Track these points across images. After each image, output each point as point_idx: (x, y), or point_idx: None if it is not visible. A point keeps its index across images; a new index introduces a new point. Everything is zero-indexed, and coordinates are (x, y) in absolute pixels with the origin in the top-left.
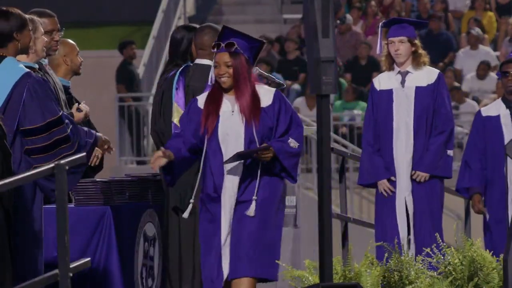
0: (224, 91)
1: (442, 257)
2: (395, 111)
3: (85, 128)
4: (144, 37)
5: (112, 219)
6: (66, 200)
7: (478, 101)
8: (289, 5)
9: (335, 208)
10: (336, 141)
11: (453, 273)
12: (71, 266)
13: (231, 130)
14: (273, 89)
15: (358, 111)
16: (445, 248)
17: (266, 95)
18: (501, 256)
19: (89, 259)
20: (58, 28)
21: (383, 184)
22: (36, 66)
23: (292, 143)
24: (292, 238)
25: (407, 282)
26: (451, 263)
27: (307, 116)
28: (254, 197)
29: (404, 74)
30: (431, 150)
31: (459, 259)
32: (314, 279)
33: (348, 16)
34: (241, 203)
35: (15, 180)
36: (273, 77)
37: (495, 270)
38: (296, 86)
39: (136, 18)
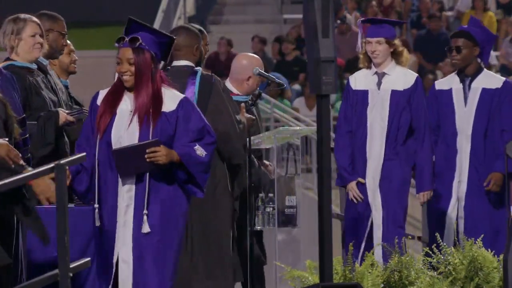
0: (127, 89)
1: (442, 257)
2: (369, 114)
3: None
4: None
5: None
6: (66, 200)
7: None
8: (289, 5)
9: (335, 208)
10: None
11: (453, 273)
12: (71, 266)
13: (126, 132)
14: (182, 95)
15: None
16: (445, 248)
17: (171, 99)
18: (501, 256)
19: (89, 259)
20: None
21: (352, 190)
22: (33, 66)
23: (199, 150)
24: (292, 238)
25: (407, 282)
26: (451, 263)
27: (307, 116)
28: (145, 212)
29: (380, 76)
30: (426, 167)
31: (459, 259)
32: (314, 279)
33: (348, 16)
34: (138, 216)
35: (15, 180)
36: (273, 77)
37: (495, 269)
38: (296, 86)
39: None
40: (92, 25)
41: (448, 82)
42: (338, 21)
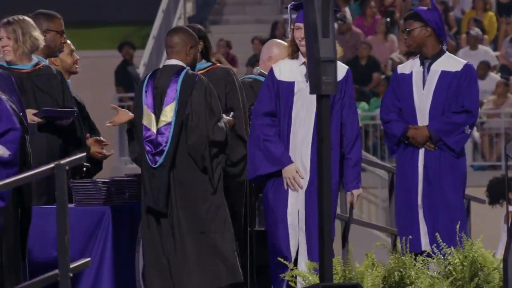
0: None
1: (442, 257)
2: (295, 108)
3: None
4: (144, 37)
5: (111, 219)
6: (66, 200)
7: None
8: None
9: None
10: None
11: (454, 273)
12: (71, 266)
13: None
14: None
15: (358, 111)
16: (445, 247)
17: None
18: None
19: (89, 259)
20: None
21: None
22: (25, 67)
23: (1, 150)
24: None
25: (407, 282)
26: (451, 263)
27: None
28: None
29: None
30: (353, 165)
31: (460, 259)
32: (314, 279)
33: (348, 16)
34: None
35: (15, 180)
36: None
37: (495, 270)
38: None
39: (136, 18)
40: (92, 25)
41: (410, 66)
42: (339, 21)
